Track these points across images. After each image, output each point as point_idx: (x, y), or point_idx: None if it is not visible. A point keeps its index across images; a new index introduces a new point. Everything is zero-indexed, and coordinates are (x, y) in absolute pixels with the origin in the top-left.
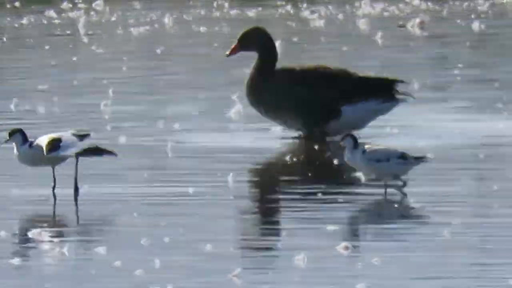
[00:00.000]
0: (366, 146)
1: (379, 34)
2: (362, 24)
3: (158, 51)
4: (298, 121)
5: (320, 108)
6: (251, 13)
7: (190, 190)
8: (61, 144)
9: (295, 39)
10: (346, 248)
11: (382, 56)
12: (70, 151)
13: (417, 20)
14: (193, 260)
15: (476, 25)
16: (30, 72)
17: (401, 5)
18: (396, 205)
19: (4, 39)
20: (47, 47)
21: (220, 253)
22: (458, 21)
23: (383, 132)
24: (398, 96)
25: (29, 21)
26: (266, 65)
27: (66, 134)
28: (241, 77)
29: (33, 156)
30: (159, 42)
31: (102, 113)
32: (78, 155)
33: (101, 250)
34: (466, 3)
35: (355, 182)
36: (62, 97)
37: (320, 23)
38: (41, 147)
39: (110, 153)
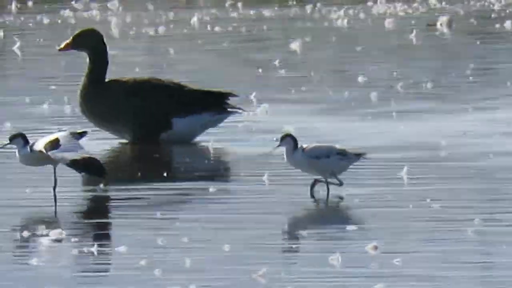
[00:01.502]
0: (304, 145)
1: (414, 32)
2: (388, 24)
3: (172, 51)
4: (130, 133)
5: (151, 120)
6: (267, 12)
7: (211, 188)
8: (60, 143)
9: (324, 39)
10: (375, 248)
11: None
12: (68, 154)
13: (445, 19)
14: (216, 259)
15: (508, 24)
16: (42, 72)
17: (415, 5)
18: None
19: (16, 38)
20: (49, 46)
21: (243, 253)
22: (471, 20)
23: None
24: (229, 109)
25: (45, 20)
26: (96, 71)
27: (64, 135)
28: (248, 78)
29: (33, 158)
30: (173, 42)
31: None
32: (69, 164)
33: (121, 249)
34: (479, 3)
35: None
36: (74, 97)
37: (343, 23)
38: (38, 151)
39: (99, 173)
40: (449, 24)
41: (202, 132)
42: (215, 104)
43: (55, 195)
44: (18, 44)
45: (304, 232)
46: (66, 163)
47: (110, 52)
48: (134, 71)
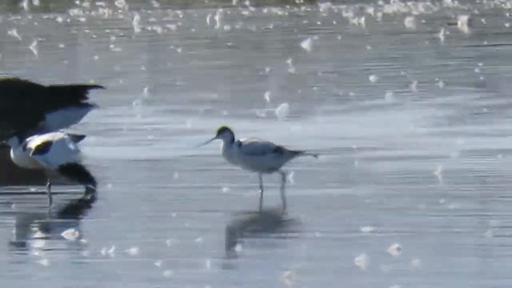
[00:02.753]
0: (242, 140)
1: (441, 31)
2: (408, 23)
3: (179, 50)
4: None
5: (26, 118)
6: (279, 11)
7: (225, 189)
8: (50, 149)
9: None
10: (398, 249)
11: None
12: (55, 161)
13: (465, 18)
14: (238, 260)
15: None
16: (46, 72)
17: (428, 3)
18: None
19: (19, 37)
20: (61, 45)
21: (268, 254)
22: (483, 19)
23: None
24: (90, 103)
25: (52, 19)
26: None
27: (60, 137)
28: (257, 77)
29: (26, 158)
30: (181, 40)
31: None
32: (59, 171)
33: (133, 250)
34: (492, 3)
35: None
36: None
37: (360, 21)
38: (30, 149)
39: (88, 182)
40: (470, 23)
41: (70, 126)
42: (78, 99)
43: (50, 194)
44: (35, 43)
45: (317, 233)
46: (55, 169)
47: (116, 49)
48: (140, 69)
